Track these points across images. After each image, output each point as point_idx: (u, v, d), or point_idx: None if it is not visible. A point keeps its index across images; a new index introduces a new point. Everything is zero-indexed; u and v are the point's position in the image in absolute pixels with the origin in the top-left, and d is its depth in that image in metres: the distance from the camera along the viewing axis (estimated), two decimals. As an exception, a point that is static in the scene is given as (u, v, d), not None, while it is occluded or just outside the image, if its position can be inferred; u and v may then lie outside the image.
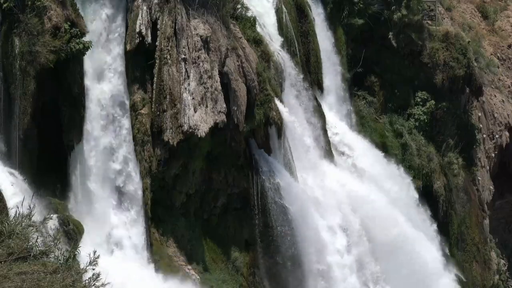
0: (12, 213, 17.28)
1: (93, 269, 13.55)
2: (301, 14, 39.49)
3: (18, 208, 15.10)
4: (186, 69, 30.62)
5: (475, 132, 47.65)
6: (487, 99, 50.31)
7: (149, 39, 29.92)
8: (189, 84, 30.52)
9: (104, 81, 29.36)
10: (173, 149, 30.37)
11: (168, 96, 30.10)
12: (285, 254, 34.02)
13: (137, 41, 29.74)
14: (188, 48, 30.72)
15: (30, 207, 14.96)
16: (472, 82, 46.37)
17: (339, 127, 40.57)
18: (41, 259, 13.61)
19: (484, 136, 49.17)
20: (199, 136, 30.28)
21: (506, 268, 50.83)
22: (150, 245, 29.90)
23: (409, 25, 44.31)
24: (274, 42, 36.89)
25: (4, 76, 26.28)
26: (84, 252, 14.62)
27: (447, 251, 43.34)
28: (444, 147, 45.49)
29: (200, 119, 30.33)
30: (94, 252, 13.63)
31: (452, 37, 45.76)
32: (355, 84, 43.81)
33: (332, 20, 42.34)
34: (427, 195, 43.16)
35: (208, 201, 32.99)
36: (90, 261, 13.47)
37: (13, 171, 25.97)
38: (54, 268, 13.32)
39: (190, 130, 30.08)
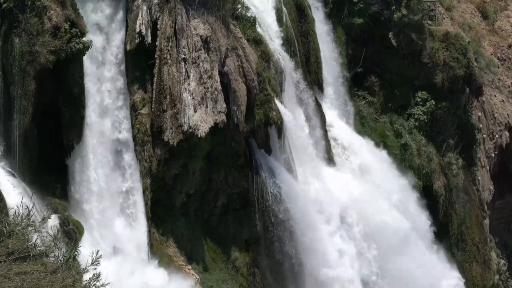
0: (11, 213, 17.29)
1: (95, 269, 13.53)
2: (301, 14, 39.47)
3: (17, 208, 15.10)
4: (186, 69, 30.61)
5: (475, 132, 47.63)
6: (487, 99, 50.29)
7: (149, 39, 29.91)
8: (189, 84, 30.52)
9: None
10: (173, 149, 30.36)
11: (168, 96, 30.10)
12: (285, 254, 34.01)
13: (137, 41, 29.73)
14: (188, 48, 30.71)
15: (29, 207, 14.96)
16: (472, 82, 46.35)
17: (339, 127, 40.55)
18: (41, 259, 13.60)
19: (484, 136, 49.15)
20: (199, 136, 30.28)
21: (506, 268, 50.81)
22: (150, 245, 29.88)
23: (409, 25, 44.30)
24: (274, 42, 36.88)
25: (4, 76, 26.27)
26: (86, 251, 14.60)
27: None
28: (444, 147, 45.49)
29: (200, 119, 30.33)
30: (97, 252, 13.60)
31: (452, 37, 45.75)
32: (355, 84, 43.80)
33: (332, 20, 42.35)
34: (427, 195, 43.15)
35: (208, 201, 32.99)
36: (92, 261, 13.45)
37: (13, 171, 25.96)
38: (54, 268, 13.31)
39: (190, 130, 30.08)
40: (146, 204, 29.87)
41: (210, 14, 31.70)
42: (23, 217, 14.34)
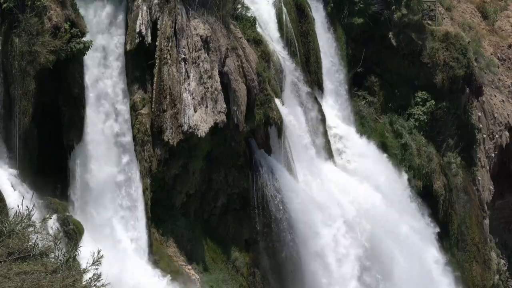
0: (12, 213, 17.28)
1: (96, 269, 13.51)
2: (301, 14, 39.48)
3: (18, 208, 15.09)
4: (186, 69, 30.61)
5: (475, 132, 47.63)
6: (487, 99, 50.29)
7: (149, 39, 29.90)
8: (189, 84, 30.51)
9: None
10: (173, 149, 30.36)
11: (168, 96, 30.10)
12: (285, 254, 34.00)
13: (137, 41, 29.72)
14: (188, 48, 30.71)
15: (29, 207, 14.95)
16: (472, 82, 46.35)
17: (339, 127, 40.55)
18: (41, 259, 13.58)
19: (484, 136, 49.15)
20: (199, 136, 30.27)
21: (506, 268, 50.82)
22: (150, 245, 29.88)
23: (409, 25, 44.30)
24: (274, 42, 36.88)
25: (4, 76, 26.26)
26: (87, 251, 14.58)
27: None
28: (444, 147, 45.48)
29: (200, 119, 30.32)
30: (98, 252, 13.58)
31: (452, 37, 45.75)
32: (355, 84, 43.80)
33: (332, 20, 42.34)
34: (427, 195, 43.15)
35: (208, 201, 32.99)
36: (93, 261, 13.43)
37: (13, 171, 25.96)
38: (54, 268, 13.29)
39: (190, 130, 30.07)
40: (146, 204, 29.86)
41: (210, 14, 31.70)
42: (23, 217, 14.34)
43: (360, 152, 40.54)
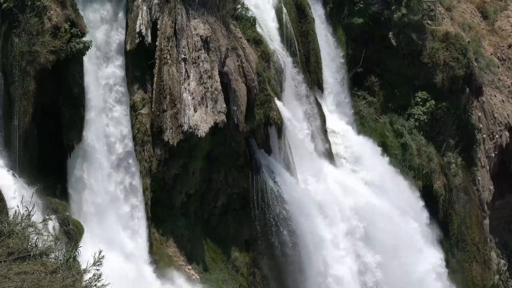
0: (12, 213, 17.28)
1: (97, 270, 13.50)
2: (301, 14, 39.48)
3: (17, 208, 15.09)
4: (186, 69, 30.61)
5: (475, 132, 47.64)
6: (487, 99, 50.30)
7: (149, 39, 29.90)
8: (189, 84, 30.52)
9: None
10: (173, 149, 30.36)
11: (168, 96, 30.10)
12: (285, 254, 34.00)
13: (137, 41, 29.72)
14: (188, 48, 30.71)
15: (29, 207, 14.95)
16: (472, 82, 46.35)
17: (339, 127, 40.55)
18: (41, 259, 13.58)
19: (484, 136, 49.15)
20: (199, 136, 30.28)
21: (506, 268, 50.82)
22: (150, 245, 29.88)
23: (409, 25, 44.32)
24: (274, 42, 36.88)
25: (4, 76, 26.26)
26: (87, 251, 14.58)
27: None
28: (444, 147, 45.49)
29: (200, 119, 30.33)
30: (100, 252, 13.57)
31: (452, 37, 45.76)
32: (355, 84, 43.81)
33: (332, 20, 42.35)
34: (427, 195, 43.14)
35: (208, 201, 32.99)
36: (94, 261, 13.43)
37: (13, 171, 25.95)
38: (54, 268, 13.29)
39: (190, 130, 30.08)
40: (146, 204, 29.86)
41: (210, 14, 31.71)
42: (23, 217, 14.34)
43: (359, 152, 40.53)
